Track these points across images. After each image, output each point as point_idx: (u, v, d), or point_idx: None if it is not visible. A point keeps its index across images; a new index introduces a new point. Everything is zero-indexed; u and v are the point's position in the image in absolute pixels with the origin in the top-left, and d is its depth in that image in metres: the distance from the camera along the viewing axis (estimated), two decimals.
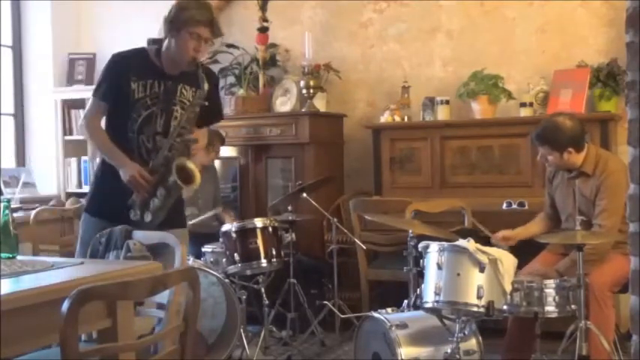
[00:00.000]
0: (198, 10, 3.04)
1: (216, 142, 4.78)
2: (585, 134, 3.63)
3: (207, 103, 3.09)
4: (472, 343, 3.30)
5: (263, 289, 4.19)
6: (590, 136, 4.27)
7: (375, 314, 3.42)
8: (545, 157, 3.61)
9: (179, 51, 3.05)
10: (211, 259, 4.26)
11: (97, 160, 3.39)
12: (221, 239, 4.20)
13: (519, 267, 3.31)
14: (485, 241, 3.31)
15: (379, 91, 5.37)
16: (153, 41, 3.43)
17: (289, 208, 4.41)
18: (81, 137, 5.47)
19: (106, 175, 3.13)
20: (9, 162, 5.60)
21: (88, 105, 3.24)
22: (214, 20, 3.07)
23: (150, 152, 3.07)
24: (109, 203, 3.10)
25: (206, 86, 3.05)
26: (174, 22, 3.04)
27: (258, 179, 5.25)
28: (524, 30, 5.00)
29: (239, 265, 4.08)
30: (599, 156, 3.60)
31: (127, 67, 3.09)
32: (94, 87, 3.20)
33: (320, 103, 5.19)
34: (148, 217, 3.02)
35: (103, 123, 3.19)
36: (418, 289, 3.37)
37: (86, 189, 5.08)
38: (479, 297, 3.06)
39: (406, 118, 5.02)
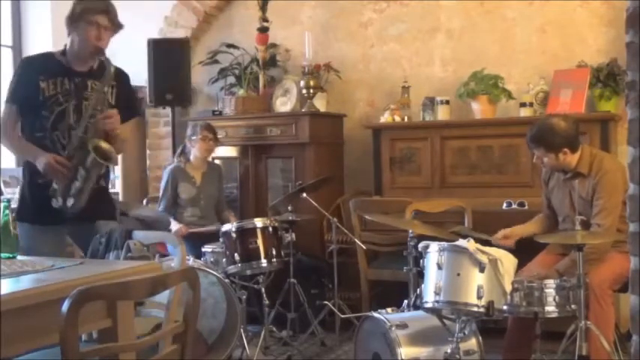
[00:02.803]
0: (92, 0, 3.13)
1: (203, 131, 4.72)
2: (579, 134, 3.64)
3: (114, 83, 3.16)
4: (472, 343, 3.30)
5: (263, 289, 4.19)
6: (589, 137, 4.28)
7: (375, 314, 3.41)
8: (540, 159, 3.61)
9: (81, 42, 3.12)
10: (211, 259, 4.26)
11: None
12: (221, 239, 4.20)
13: (519, 267, 3.31)
14: (484, 243, 3.30)
15: (379, 91, 5.37)
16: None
17: (289, 208, 4.40)
18: None
19: (28, 179, 3.18)
20: (9, 162, 5.59)
21: (1, 111, 3.27)
22: (110, 8, 3.14)
23: (65, 147, 3.11)
24: (36, 207, 3.12)
25: (112, 69, 3.09)
26: (72, 17, 3.13)
27: (259, 179, 5.25)
28: (524, 30, 5.00)
29: (239, 265, 4.08)
30: (594, 156, 3.60)
31: (35, 69, 3.16)
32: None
33: (320, 103, 5.19)
34: (70, 202, 3.04)
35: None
36: (418, 289, 3.37)
37: None
38: (479, 297, 3.06)
39: (406, 118, 5.02)
